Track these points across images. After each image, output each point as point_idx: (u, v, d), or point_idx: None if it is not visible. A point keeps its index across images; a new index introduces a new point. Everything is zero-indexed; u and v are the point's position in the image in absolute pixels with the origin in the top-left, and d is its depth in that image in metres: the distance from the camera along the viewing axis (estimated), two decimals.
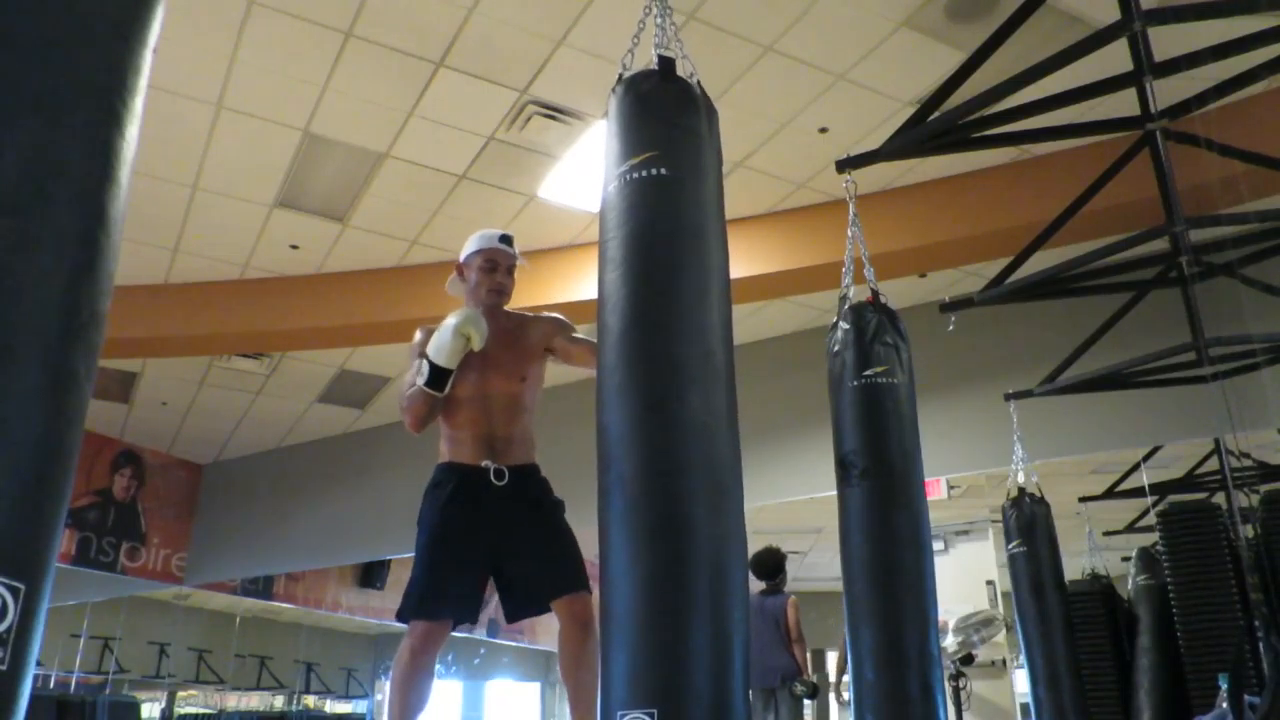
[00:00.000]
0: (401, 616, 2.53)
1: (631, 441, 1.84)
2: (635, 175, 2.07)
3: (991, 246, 5.01)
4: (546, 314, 2.87)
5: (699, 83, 2.25)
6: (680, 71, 2.32)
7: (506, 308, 2.82)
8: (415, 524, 2.63)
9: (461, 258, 2.81)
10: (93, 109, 1.09)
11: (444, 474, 2.64)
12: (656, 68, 2.23)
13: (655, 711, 1.61)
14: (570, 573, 2.58)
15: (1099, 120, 4.05)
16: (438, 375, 2.56)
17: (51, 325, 1.02)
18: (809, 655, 6.18)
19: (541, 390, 2.84)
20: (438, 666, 2.57)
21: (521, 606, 2.61)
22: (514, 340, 2.75)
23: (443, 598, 2.52)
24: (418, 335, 2.71)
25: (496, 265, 2.76)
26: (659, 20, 2.37)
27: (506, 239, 2.78)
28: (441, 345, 2.56)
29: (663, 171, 2.06)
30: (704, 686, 1.66)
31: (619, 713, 1.65)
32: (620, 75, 2.28)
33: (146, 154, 4.75)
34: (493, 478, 2.59)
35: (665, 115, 2.17)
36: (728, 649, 1.71)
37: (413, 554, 2.62)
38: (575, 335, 2.81)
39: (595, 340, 2.47)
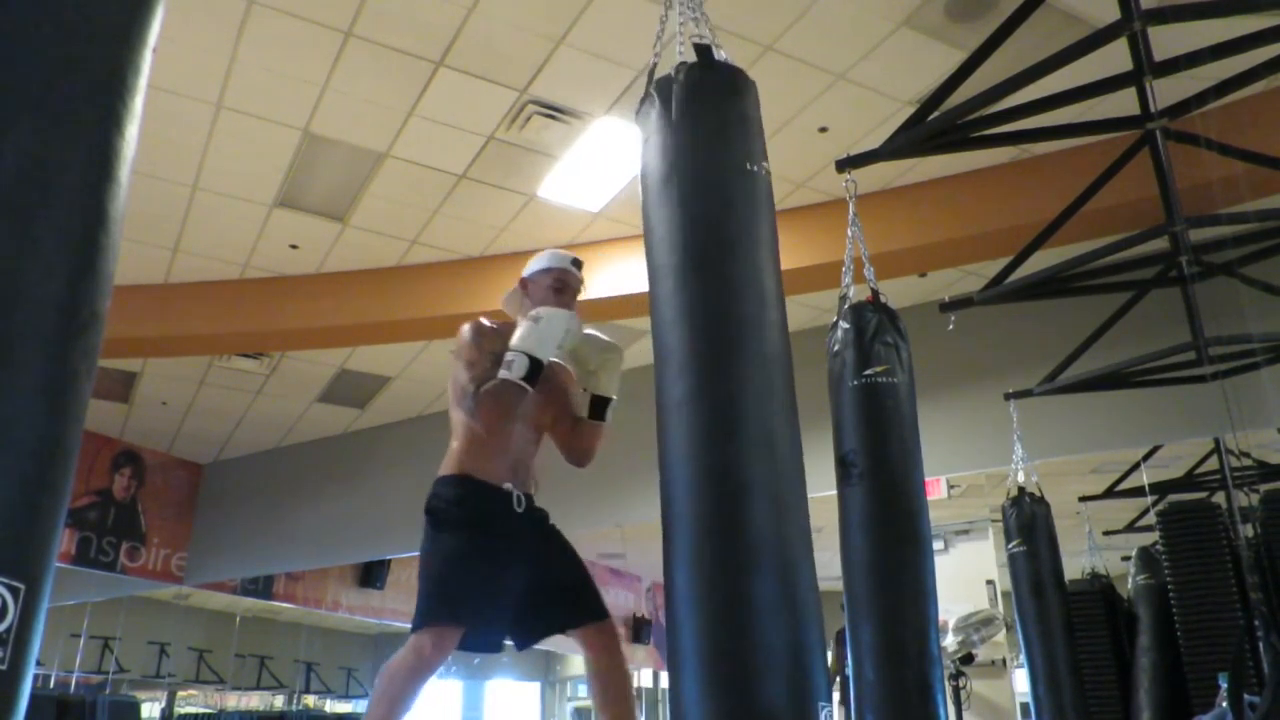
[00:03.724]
0: (427, 619, 2.33)
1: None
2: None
3: (991, 246, 5.01)
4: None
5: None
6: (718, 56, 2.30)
7: None
8: (428, 522, 2.48)
9: (527, 273, 2.70)
10: (93, 109, 1.09)
11: (469, 487, 2.49)
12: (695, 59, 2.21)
13: None
14: (596, 600, 2.51)
15: (1099, 120, 4.05)
16: (535, 370, 2.40)
17: (51, 325, 1.02)
18: None
19: None
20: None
21: (538, 633, 2.51)
22: (554, 374, 2.67)
23: (470, 604, 2.37)
24: (469, 333, 2.53)
25: (566, 287, 2.65)
26: (688, 13, 2.35)
27: (578, 263, 2.70)
28: (545, 338, 2.43)
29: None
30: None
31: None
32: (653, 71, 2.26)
33: (146, 154, 4.75)
34: (514, 504, 2.50)
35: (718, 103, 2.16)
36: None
37: (418, 553, 2.49)
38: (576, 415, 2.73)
39: (597, 435, 2.69)
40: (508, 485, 2.50)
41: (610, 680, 2.44)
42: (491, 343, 2.51)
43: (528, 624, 2.49)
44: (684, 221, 2.06)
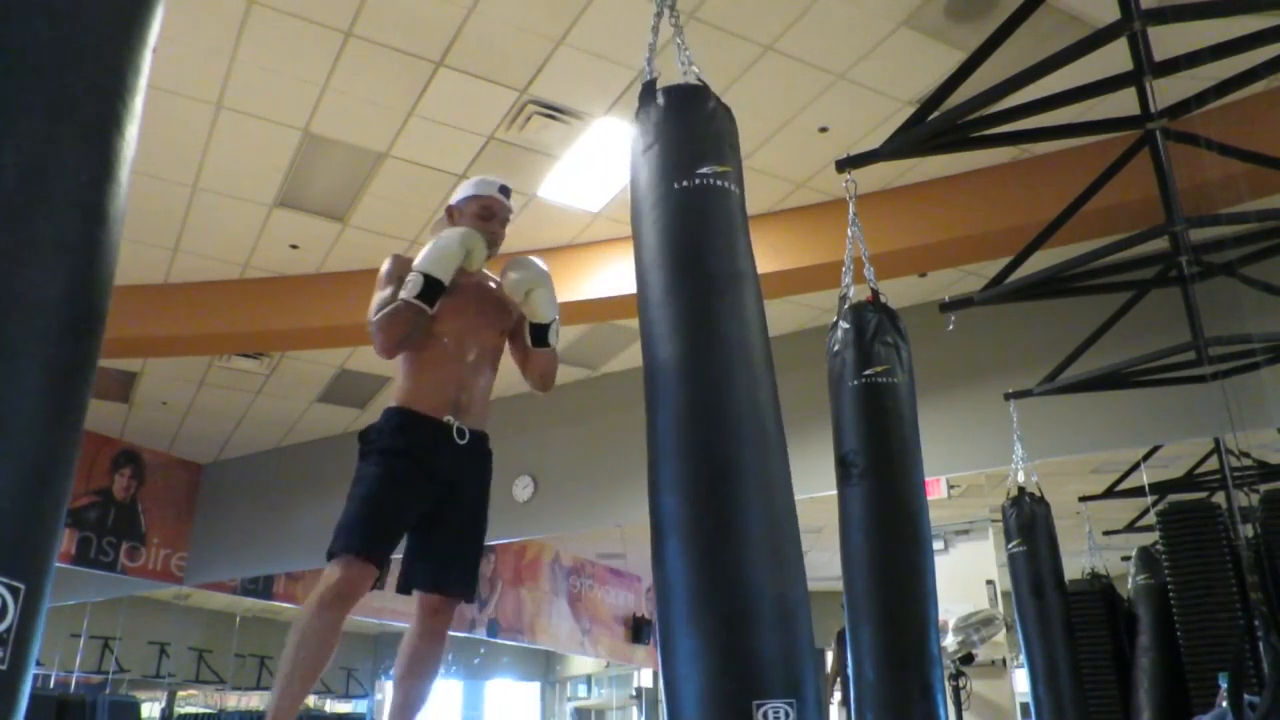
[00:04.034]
0: (345, 550, 2.25)
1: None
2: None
3: (991, 246, 5.01)
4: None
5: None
6: (683, 75, 2.34)
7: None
8: (358, 451, 2.44)
9: (454, 200, 2.67)
10: (93, 109, 1.09)
11: (405, 420, 2.43)
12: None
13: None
14: (472, 576, 2.48)
15: (1099, 120, 4.05)
16: (431, 288, 2.38)
17: (51, 325, 1.02)
18: None
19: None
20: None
21: (415, 579, 2.43)
22: (497, 297, 2.63)
23: (390, 536, 2.33)
24: (387, 264, 2.52)
25: (493, 214, 2.62)
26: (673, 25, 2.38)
27: (505, 190, 2.66)
28: (440, 254, 2.41)
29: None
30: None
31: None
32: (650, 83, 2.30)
33: (146, 154, 4.75)
34: (455, 435, 2.43)
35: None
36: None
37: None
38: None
39: (549, 360, 2.62)
40: (448, 418, 2.44)
41: (429, 655, 2.43)
42: (404, 270, 2.47)
43: (414, 563, 2.43)
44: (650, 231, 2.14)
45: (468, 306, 2.54)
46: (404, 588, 2.44)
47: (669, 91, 2.24)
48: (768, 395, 2.00)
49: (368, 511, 2.30)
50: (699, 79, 2.34)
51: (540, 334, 2.58)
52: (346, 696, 13.92)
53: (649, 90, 2.25)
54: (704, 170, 2.11)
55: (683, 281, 2.04)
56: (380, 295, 2.47)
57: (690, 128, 2.19)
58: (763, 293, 2.17)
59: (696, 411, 1.93)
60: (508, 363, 2.70)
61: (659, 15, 2.40)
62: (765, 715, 1.64)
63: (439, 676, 2.48)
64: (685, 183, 2.10)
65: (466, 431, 2.45)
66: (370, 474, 2.36)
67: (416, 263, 2.42)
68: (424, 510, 2.39)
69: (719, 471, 1.88)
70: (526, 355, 2.65)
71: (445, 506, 2.42)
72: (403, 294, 2.39)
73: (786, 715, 1.65)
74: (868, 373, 3.23)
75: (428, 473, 2.38)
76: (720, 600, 1.75)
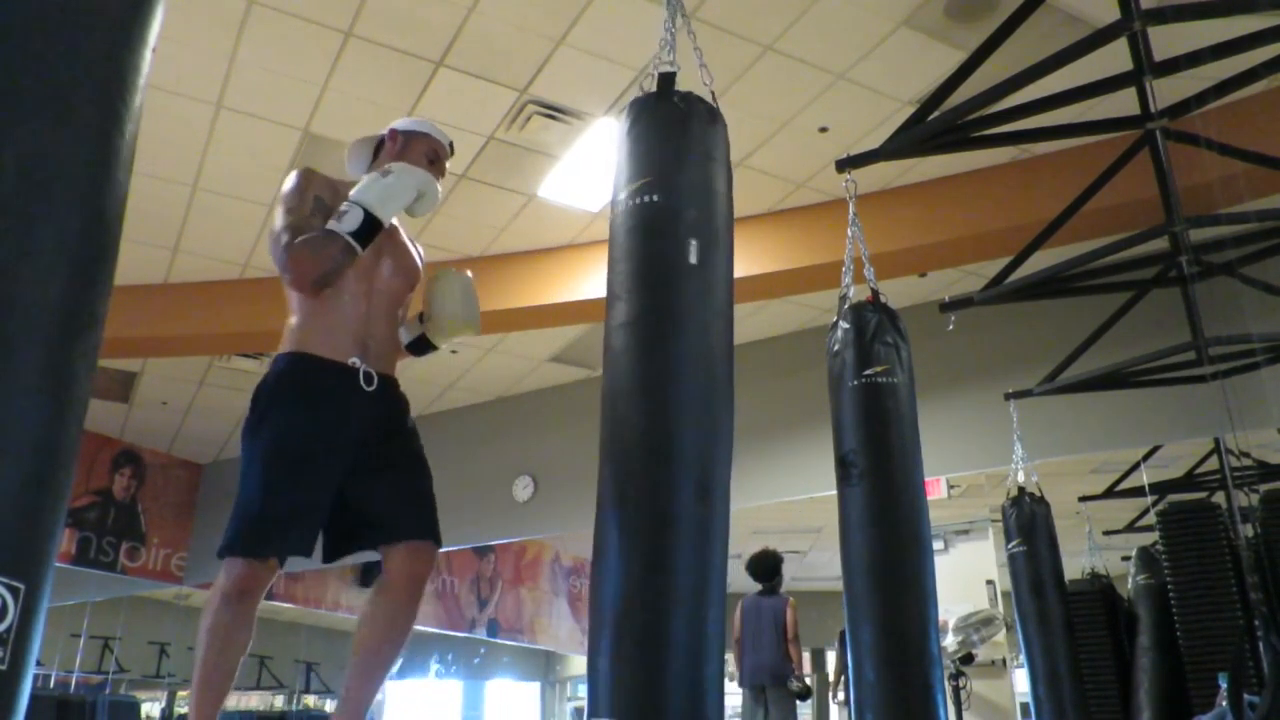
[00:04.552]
0: (233, 550, 1.99)
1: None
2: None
3: (991, 246, 5.01)
4: None
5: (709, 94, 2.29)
6: (693, 78, 2.34)
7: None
8: (248, 413, 2.09)
9: (401, 126, 2.38)
10: (93, 109, 1.09)
11: (301, 365, 2.09)
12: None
13: None
14: (428, 517, 2.14)
15: (1099, 120, 4.05)
16: (371, 229, 2.07)
17: (51, 325, 1.02)
18: (808, 655, 6.19)
19: None
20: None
21: (350, 540, 2.11)
22: (408, 248, 2.38)
23: (290, 528, 2.00)
24: (295, 178, 2.18)
25: (438, 162, 2.37)
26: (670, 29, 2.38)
27: (452, 146, 2.47)
28: (390, 193, 2.10)
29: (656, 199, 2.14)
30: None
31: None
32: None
33: (146, 154, 4.74)
34: (361, 380, 2.10)
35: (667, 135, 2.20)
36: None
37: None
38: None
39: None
40: (354, 360, 2.12)
41: (400, 612, 2.10)
42: (319, 189, 2.17)
43: (342, 526, 2.10)
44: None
45: (382, 247, 2.24)
46: (335, 554, 2.11)
47: (638, 103, 2.24)
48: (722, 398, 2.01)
49: (262, 503, 1.99)
50: (706, 83, 2.33)
51: (421, 347, 2.45)
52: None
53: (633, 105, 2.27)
54: (634, 188, 2.20)
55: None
56: (291, 216, 2.10)
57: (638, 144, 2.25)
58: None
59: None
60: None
61: (672, 15, 2.40)
62: None
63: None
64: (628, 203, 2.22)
65: (375, 376, 2.13)
66: (261, 451, 2.03)
67: (358, 193, 2.09)
68: (339, 477, 2.07)
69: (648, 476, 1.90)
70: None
71: (372, 457, 2.10)
72: (337, 224, 2.05)
73: None
74: (868, 373, 3.23)
75: (341, 426, 2.07)
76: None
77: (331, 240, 2.04)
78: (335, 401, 2.08)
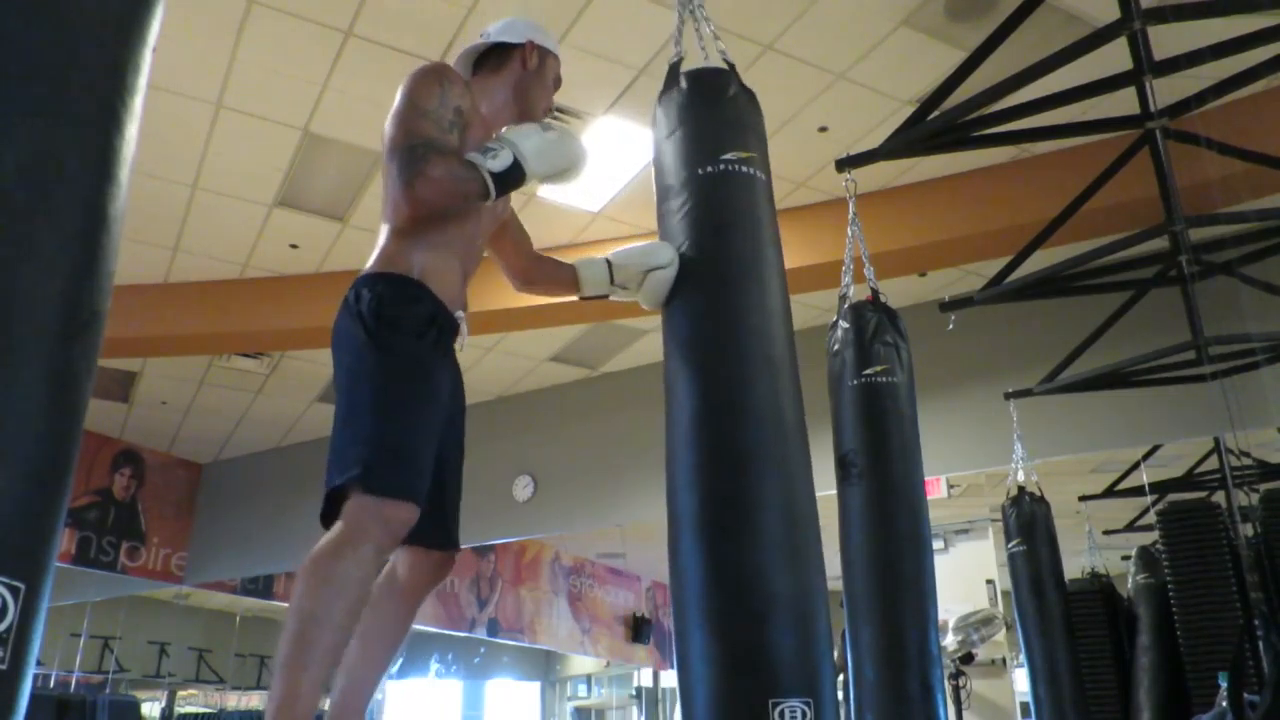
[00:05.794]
0: (387, 490, 1.56)
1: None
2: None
3: (991, 246, 5.01)
4: None
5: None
6: (704, 59, 2.35)
7: None
8: (361, 330, 1.67)
9: (538, 38, 2.10)
10: (93, 109, 1.09)
11: (431, 300, 1.74)
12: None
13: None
14: (456, 525, 1.89)
15: (1099, 119, 4.05)
16: (514, 178, 1.78)
17: (51, 325, 1.02)
18: None
19: None
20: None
21: (426, 536, 1.78)
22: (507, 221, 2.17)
23: (427, 472, 1.66)
24: (433, 75, 1.87)
25: (558, 86, 2.14)
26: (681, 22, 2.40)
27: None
28: (545, 151, 1.80)
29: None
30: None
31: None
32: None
33: (146, 154, 4.75)
34: (459, 344, 1.82)
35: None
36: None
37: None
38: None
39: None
40: (460, 313, 1.80)
41: (409, 615, 1.85)
42: (459, 98, 1.87)
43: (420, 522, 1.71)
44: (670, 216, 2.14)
45: (497, 205, 1.98)
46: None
47: (691, 76, 2.22)
48: (789, 388, 1.98)
49: (412, 434, 1.61)
50: (725, 59, 2.31)
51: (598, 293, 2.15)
52: None
53: (673, 74, 2.24)
54: (728, 157, 2.09)
55: (706, 270, 2.02)
56: (429, 125, 1.77)
57: (712, 113, 2.16)
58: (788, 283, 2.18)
59: (716, 404, 1.90)
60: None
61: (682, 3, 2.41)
62: (782, 714, 1.64)
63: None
64: (710, 169, 2.08)
65: (464, 342, 1.83)
66: (404, 368, 1.64)
67: (517, 136, 1.81)
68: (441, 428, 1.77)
69: (738, 467, 1.85)
70: (539, 264, 2.20)
71: (445, 439, 1.80)
72: (479, 158, 1.75)
73: (803, 715, 1.65)
74: (867, 372, 3.23)
75: (445, 392, 1.76)
76: (737, 599, 1.74)
77: (473, 175, 1.73)
78: (451, 357, 1.81)
